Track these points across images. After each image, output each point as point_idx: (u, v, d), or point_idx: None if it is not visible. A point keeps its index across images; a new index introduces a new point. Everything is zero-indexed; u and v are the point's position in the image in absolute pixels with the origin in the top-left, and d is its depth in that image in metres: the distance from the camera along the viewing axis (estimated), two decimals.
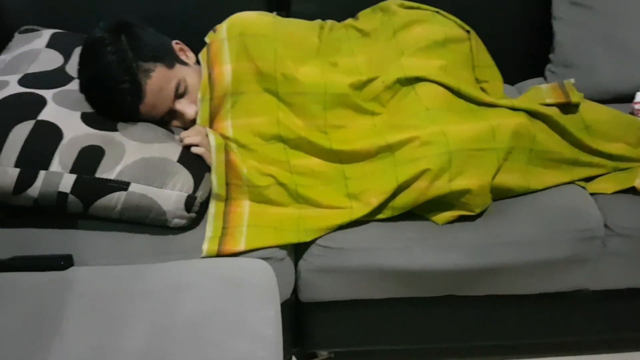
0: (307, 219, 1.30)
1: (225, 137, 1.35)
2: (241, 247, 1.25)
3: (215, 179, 1.29)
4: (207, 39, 1.45)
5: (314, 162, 1.36)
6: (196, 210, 1.27)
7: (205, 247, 1.24)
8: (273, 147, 1.35)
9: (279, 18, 1.49)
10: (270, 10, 1.64)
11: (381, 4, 1.57)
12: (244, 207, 1.31)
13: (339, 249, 1.29)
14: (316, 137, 1.35)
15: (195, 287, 1.11)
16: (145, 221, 1.26)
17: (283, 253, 1.28)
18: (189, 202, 1.25)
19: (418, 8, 1.55)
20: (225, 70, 1.36)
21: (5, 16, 1.62)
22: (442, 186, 1.26)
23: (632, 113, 1.55)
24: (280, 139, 1.35)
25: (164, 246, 1.25)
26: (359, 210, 1.29)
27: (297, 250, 1.32)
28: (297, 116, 1.36)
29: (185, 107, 1.37)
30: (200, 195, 1.27)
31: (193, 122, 1.39)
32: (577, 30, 1.65)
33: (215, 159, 1.29)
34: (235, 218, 1.29)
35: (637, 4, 1.62)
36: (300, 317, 1.47)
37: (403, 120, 1.34)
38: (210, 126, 1.38)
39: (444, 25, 1.49)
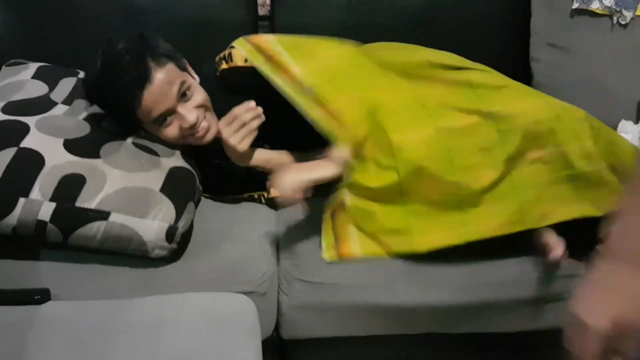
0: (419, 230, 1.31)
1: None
2: (357, 251, 1.32)
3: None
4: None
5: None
6: (177, 241, 1.25)
7: (326, 255, 1.31)
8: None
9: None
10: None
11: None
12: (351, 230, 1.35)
13: (321, 284, 1.29)
14: None
15: (176, 324, 1.09)
16: (126, 252, 1.23)
17: (265, 287, 1.27)
18: (170, 233, 1.23)
19: None
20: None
21: None
22: None
23: None
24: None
25: (144, 280, 1.23)
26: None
27: (279, 286, 1.31)
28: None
29: (188, 111, 1.33)
30: (182, 225, 1.25)
31: (183, 136, 1.35)
32: (555, 71, 1.72)
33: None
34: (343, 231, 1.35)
35: (611, 45, 1.69)
36: (282, 355, 1.44)
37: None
38: None
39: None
